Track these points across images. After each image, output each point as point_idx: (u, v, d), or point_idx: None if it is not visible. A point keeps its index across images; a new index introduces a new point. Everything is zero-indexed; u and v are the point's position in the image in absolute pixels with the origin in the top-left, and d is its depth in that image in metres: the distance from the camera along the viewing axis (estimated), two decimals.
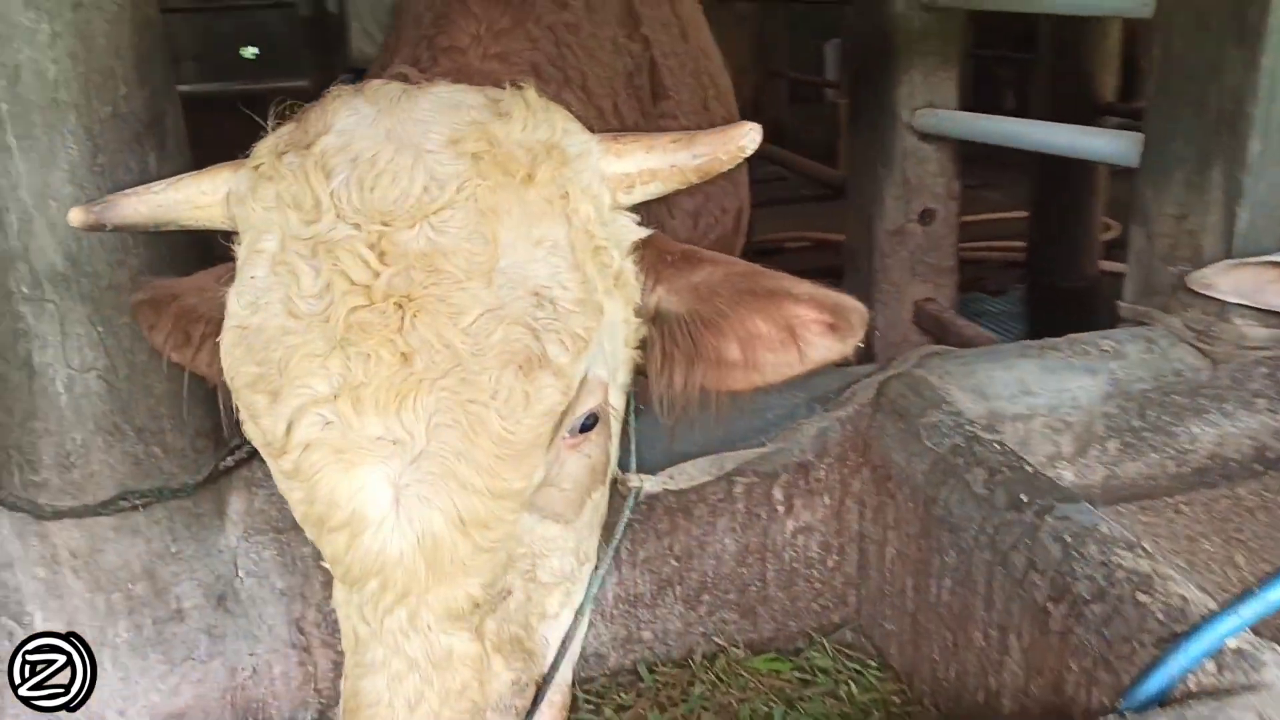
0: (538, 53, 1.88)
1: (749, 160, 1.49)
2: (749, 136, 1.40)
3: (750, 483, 2.50)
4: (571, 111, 1.78)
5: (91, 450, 2.01)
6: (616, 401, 1.49)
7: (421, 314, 1.17)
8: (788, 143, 9.94)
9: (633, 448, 1.65)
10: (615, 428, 1.52)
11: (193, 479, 2.11)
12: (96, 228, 1.47)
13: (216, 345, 1.30)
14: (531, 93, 1.40)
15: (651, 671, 2.52)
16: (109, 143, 1.90)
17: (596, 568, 1.56)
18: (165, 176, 1.93)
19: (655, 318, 1.50)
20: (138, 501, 2.06)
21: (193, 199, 1.43)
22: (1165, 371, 2.67)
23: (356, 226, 1.21)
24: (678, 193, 2.37)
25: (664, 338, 1.50)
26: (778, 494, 2.53)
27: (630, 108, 2.09)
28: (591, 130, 1.82)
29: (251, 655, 2.28)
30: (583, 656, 2.45)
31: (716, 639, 2.58)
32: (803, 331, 1.47)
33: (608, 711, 2.43)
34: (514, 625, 1.34)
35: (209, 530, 2.16)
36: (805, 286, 1.46)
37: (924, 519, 2.27)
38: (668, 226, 2.41)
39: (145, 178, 1.94)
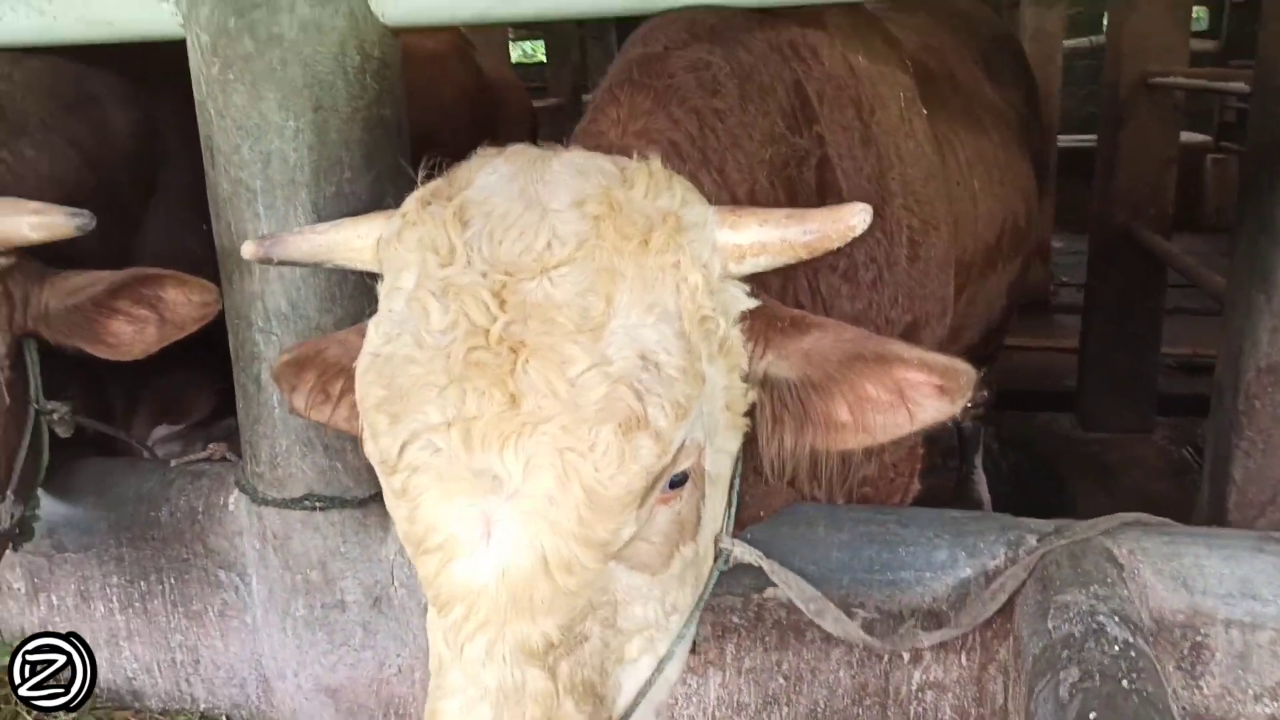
0: (678, 132, 1.92)
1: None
2: (859, 217, 1.41)
3: (870, 619, 2.32)
4: (703, 191, 1.79)
5: (291, 456, 2.51)
6: (720, 466, 1.53)
7: (533, 360, 1.23)
8: None
9: (732, 512, 1.65)
10: (713, 492, 1.53)
11: (363, 494, 2.52)
12: (265, 260, 1.68)
13: (355, 401, 1.40)
14: (657, 163, 1.48)
15: None
16: (329, 215, 2.36)
17: (688, 622, 1.55)
18: None
19: (764, 382, 1.54)
20: (318, 504, 2.51)
21: (349, 241, 1.57)
22: None
23: (483, 274, 1.29)
24: (838, 294, 2.32)
25: (774, 401, 1.54)
26: None
27: (771, 196, 2.06)
28: None
29: (398, 656, 2.64)
30: None
31: None
32: (912, 393, 1.49)
33: None
34: (588, 669, 1.34)
35: (372, 540, 2.56)
36: (914, 351, 1.48)
37: (1025, 711, 1.95)
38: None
39: None
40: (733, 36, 2.18)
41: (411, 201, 1.46)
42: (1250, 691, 2.14)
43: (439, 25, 2.35)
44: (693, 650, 1.85)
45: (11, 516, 2.08)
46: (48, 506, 2.78)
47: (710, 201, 1.88)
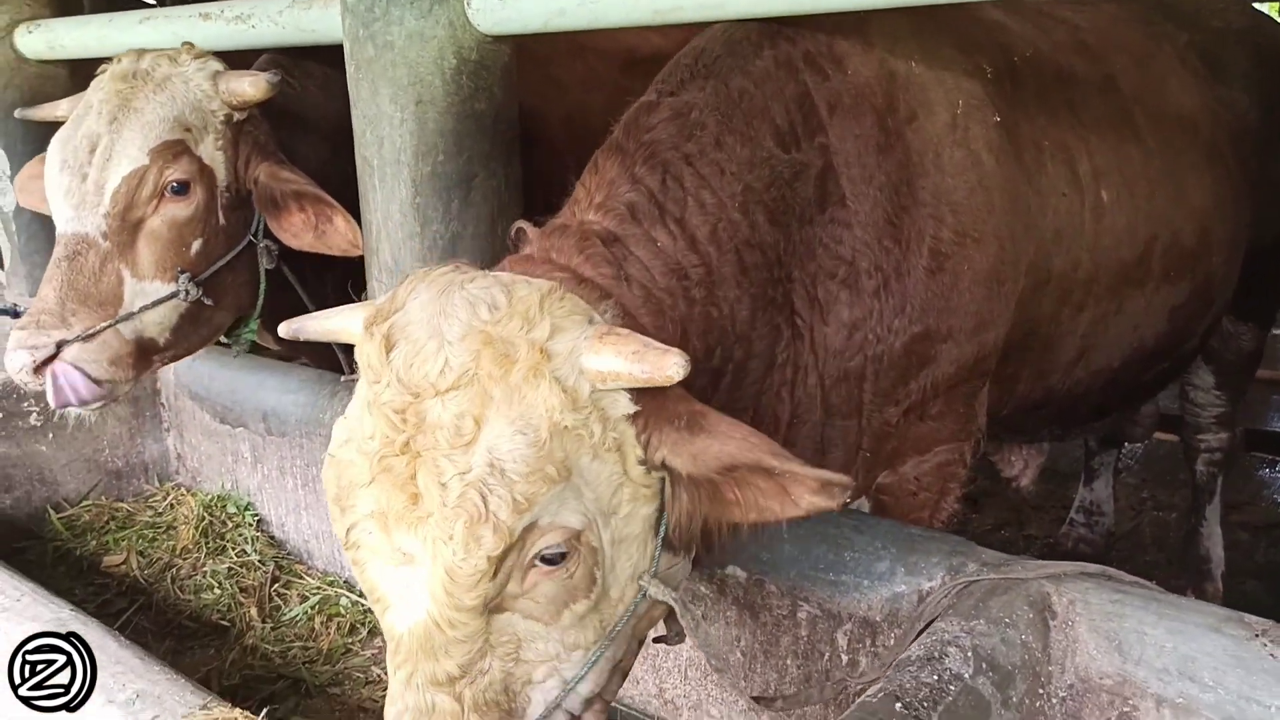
0: (636, 192, 2.14)
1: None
2: (674, 367, 1.62)
3: (814, 614, 2.38)
4: (656, 246, 2.10)
5: None
6: (630, 529, 1.77)
7: (423, 468, 1.57)
8: None
9: (654, 565, 1.86)
10: (623, 550, 1.78)
11: None
12: (294, 338, 2.03)
13: None
14: (537, 295, 1.69)
15: None
16: (424, 190, 2.87)
17: (598, 650, 1.79)
18: (465, 220, 2.86)
19: (664, 466, 1.79)
20: None
21: (346, 327, 1.89)
22: None
23: (397, 394, 1.61)
24: (836, 300, 2.38)
25: (673, 482, 1.81)
26: (840, 640, 2.36)
27: (742, 226, 2.17)
28: (678, 268, 2.10)
29: None
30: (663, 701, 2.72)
31: None
32: (793, 489, 1.70)
33: None
34: (492, 692, 1.68)
35: None
36: (793, 464, 1.67)
37: None
38: (817, 334, 2.41)
39: (448, 216, 2.90)
40: (734, 64, 2.31)
41: (369, 315, 1.75)
42: None
43: (528, 34, 2.71)
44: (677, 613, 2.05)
45: (186, 293, 2.93)
46: (268, 396, 3.65)
47: (666, 252, 2.09)
